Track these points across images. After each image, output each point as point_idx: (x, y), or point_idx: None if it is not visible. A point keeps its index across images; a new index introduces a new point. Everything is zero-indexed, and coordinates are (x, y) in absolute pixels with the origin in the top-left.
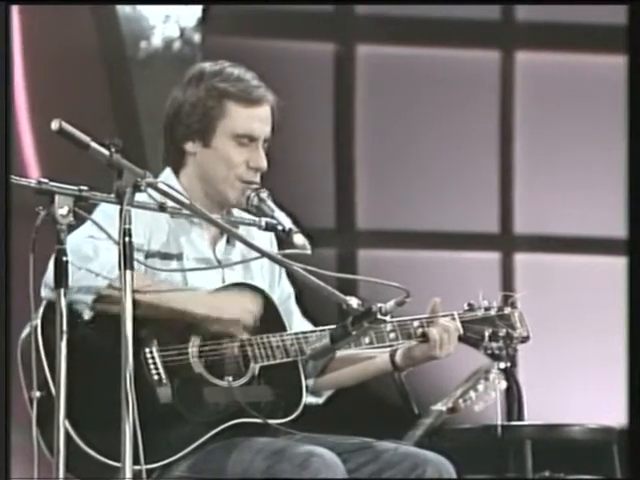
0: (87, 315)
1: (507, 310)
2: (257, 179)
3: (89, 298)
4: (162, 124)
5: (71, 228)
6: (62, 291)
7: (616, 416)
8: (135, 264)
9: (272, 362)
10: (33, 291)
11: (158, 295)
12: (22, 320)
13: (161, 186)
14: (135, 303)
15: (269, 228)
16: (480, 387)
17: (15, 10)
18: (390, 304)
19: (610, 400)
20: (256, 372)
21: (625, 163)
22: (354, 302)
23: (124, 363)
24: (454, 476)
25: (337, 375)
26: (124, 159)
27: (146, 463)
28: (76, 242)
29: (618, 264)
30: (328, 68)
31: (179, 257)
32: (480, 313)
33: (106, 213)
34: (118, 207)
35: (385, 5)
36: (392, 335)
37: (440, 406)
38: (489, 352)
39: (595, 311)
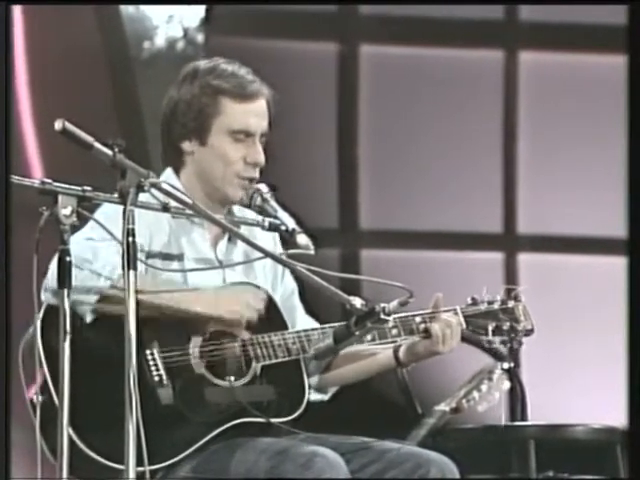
0: (89, 317)
1: (511, 303)
2: (256, 174)
3: (92, 299)
4: (160, 126)
5: (74, 228)
6: (65, 292)
7: (619, 416)
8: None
9: (274, 361)
10: (37, 291)
11: (158, 295)
12: (23, 321)
13: (164, 186)
14: (138, 302)
15: (272, 228)
16: (483, 387)
17: (18, 10)
18: (393, 304)
19: (613, 400)
20: (258, 371)
21: (626, 163)
22: (357, 302)
23: (127, 363)
24: (457, 476)
25: (341, 372)
26: (127, 159)
27: (149, 464)
28: (74, 246)
29: (619, 264)
30: (331, 68)
31: (180, 258)
32: (483, 307)
33: (107, 214)
34: (119, 208)
35: (388, 5)
36: (394, 331)
37: (443, 406)
38: (493, 346)
39: (598, 311)
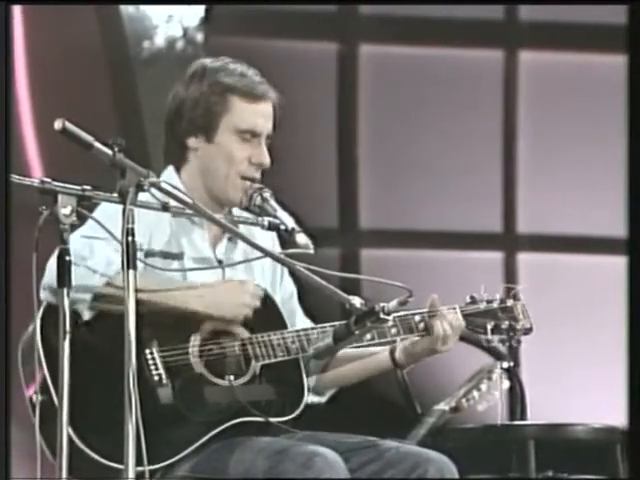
0: (86, 315)
1: (510, 302)
2: (258, 175)
3: (87, 297)
4: (164, 120)
5: (74, 228)
6: (65, 291)
7: (619, 416)
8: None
9: (273, 360)
10: (36, 291)
11: (158, 293)
12: (22, 320)
13: (164, 186)
14: (137, 301)
15: (272, 228)
16: (483, 387)
17: (18, 10)
18: (393, 303)
19: (613, 400)
20: (257, 371)
21: (626, 163)
22: (357, 302)
23: (127, 362)
24: (456, 476)
25: (338, 373)
26: (127, 159)
27: (148, 464)
28: (72, 243)
29: (619, 264)
30: (331, 68)
31: (179, 257)
32: (482, 306)
33: (107, 212)
34: (119, 207)
35: (388, 5)
36: (393, 330)
37: (443, 406)
38: (492, 345)
39: (598, 310)
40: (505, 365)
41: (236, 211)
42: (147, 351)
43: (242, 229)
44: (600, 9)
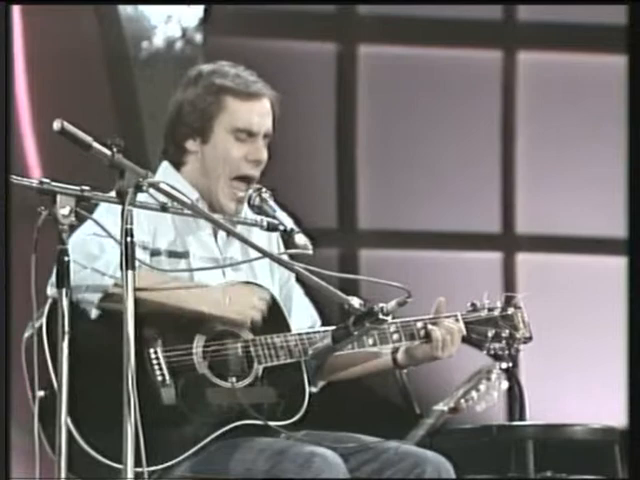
0: (94, 314)
1: (510, 311)
2: (256, 173)
3: (96, 297)
4: (164, 127)
5: (73, 228)
6: (64, 291)
7: (617, 416)
8: (139, 263)
9: (276, 363)
10: (35, 291)
11: (165, 293)
12: (23, 320)
13: (163, 186)
14: (142, 301)
15: (271, 228)
16: (482, 387)
17: (17, 10)
18: (392, 304)
19: (612, 400)
20: (259, 373)
21: (626, 163)
22: (356, 302)
23: (126, 363)
24: (453, 476)
25: (338, 374)
26: (126, 159)
27: (149, 464)
28: (82, 239)
29: (619, 264)
30: (330, 68)
31: (185, 255)
32: (483, 314)
33: (110, 208)
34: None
35: (387, 5)
36: (395, 336)
37: (442, 406)
38: (492, 353)
39: (596, 311)
40: (504, 366)
41: None
42: (151, 351)
43: (241, 228)
44: (600, 9)
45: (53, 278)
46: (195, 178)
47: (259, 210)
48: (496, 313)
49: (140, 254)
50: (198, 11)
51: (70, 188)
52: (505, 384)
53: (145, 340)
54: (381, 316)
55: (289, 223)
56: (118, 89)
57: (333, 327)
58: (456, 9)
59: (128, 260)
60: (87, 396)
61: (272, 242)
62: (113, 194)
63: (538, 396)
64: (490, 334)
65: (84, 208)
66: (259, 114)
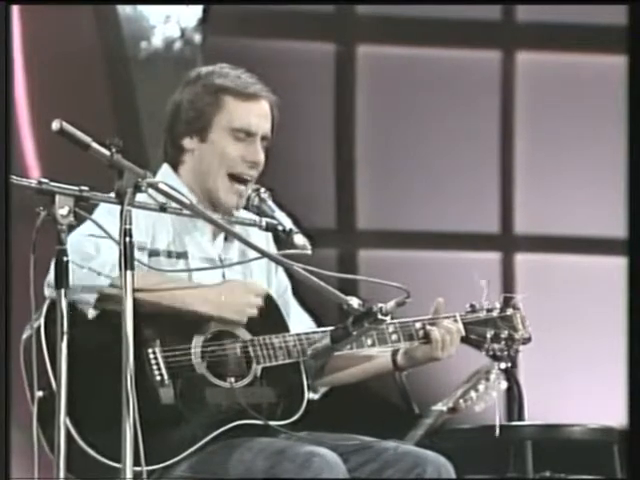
0: (90, 314)
1: (509, 311)
2: (253, 174)
3: (92, 297)
4: (162, 126)
5: (72, 228)
6: (63, 291)
7: (616, 416)
8: (137, 263)
9: (274, 363)
10: (34, 292)
11: (161, 293)
12: (22, 320)
13: (162, 186)
14: (139, 301)
15: (270, 228)
16: (481, 387)
17: (16, 10)
18: (390, 304)
19: (610, 400)
20: (258, 373)
21: (625, 163)
22: (355, 302)
23: (125, 363)
24: (453, 476)
25: (337, 375)
26: (125, 159)
27: (148, 464)
28: (77, 240)
29: (619, 264)
30: (329, 68)
31: (184, 255)
32: (482, 314)
33: (109, 209)
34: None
35: (386, 5)
36: (394, 337)
37: (441, 406)
38: (491, 353)
39: (595, 311)
40: (503, 366)
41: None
42: (150, 351)
43: (239, 227)
44: (600, 9)
45: (50, 278)
46: (193, 177)
47: (258, 210)
48: (495, 314)
49: (138, 254)
50: (197, 11)
51: (69, 188)
52: (504, 384)
53: (143, 340)
54: (380, 316)
55: (288, 223)
56: (117, 89)
57: (331, 328)
58: (455, 9)
59: (127, 260)
60: (85, 396)
61: (269, 245)
62: (112, 194)
63: (537, 396)
64: (489, 335)
65: (83, 208)
66: (257, 115)
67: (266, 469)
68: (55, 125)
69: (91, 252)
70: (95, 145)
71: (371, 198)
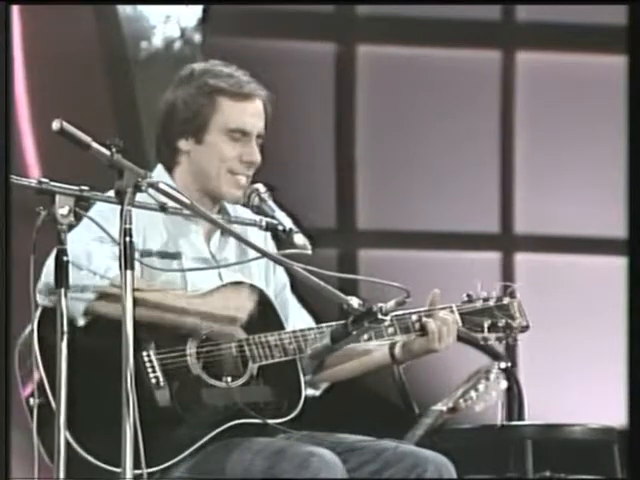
0: (80, 322)
1: (506, 300)
2: (250, 173)
3: (81, 306)
4: (156, 127)
5: (72, 228)
6: (63, 291)
7: (617, 416)
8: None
9: (270, 361)
10: (34, 291)
11: (151, 303)
12: (22, 321)
13: (162, 186)
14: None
15: (270, 228)
16: (481, 387)
17: (16, 10)
18: (390, 304)
19: (611, 400)
20: (254, 372)
21: (625, 163)
22: (355, 302)
23: (125, 363)
24: (454, 475)
25: (336, 370)
26: (125, 159)
27: (147, 466)
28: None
29: (619, 264)
30: (329, 68)
31: (177, 256)
32: (479, 304)
33: (102, 213)
34: (114, 207)
35: (386, 5)
36: (390, 330)
37: (441, 406)
38: (489, 344)
39: (596, 311)
40: (503, 365)
41: (232, 210)
42: (144, 353)
43: (237, 226)
44: (600, 9)
45: (40, 285)
46: (190, 178)
47: (258, 210)
48: (491, 303)
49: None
50: (197, 11)
51: (69, 188)
52: (504, 384)
53: (137, 343)
54: (380, 316)
55: (288, 223)
56: (117, 89)
57: (327, 324)
58: (455, 9)
59: (127, 260)
60: (80, 401)
61: (268, 244)
62: (112, 194)
63: (537, 396)
64: (486, 324)
65: (83, 208)
66: (252, 114)
67: (265, 469)
68: (55, 125)
69: (82, 262)
70: (95, 145)
71: (371, 198)
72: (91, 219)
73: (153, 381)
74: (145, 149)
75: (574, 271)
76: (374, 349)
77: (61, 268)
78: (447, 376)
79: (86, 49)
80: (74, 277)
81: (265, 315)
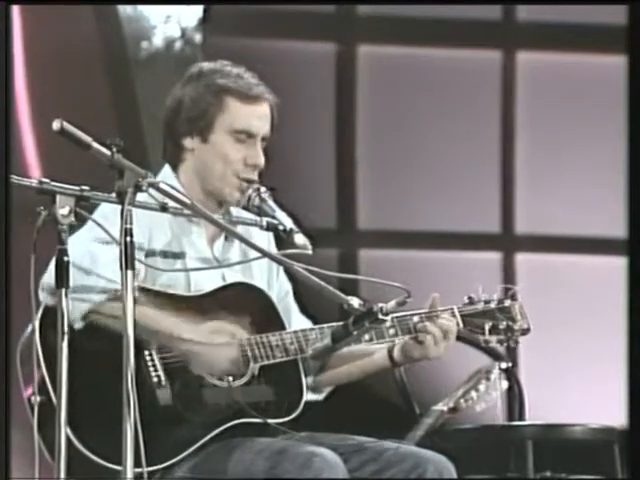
0: (78, 325)
1: (507, 302)
2: (255, 176)
3: (83, 309)
4: (162, 124)
5: (72, 228)
6: (63, 291)
7: (617, 416)
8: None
9: (272, 361)
10: (34, 291)
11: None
12: (22, 321)
13: (162, 186)
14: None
15: (270, 228)
16: (481, 387)
17: (16, 10)
18: (391, 304)
19: (611, 400)
20: (256, 372)
21: (625, 163)
22: (355, 302)
23: (125, 363)
24: (455, 476)
25: (336, 372)
26: (125, 159)
27: (148, 465)
28: (73, 250)
29: (619, 264)
30: (329, 68)
31: (181, 256)
32: (480, 306)
33: (105, 215)
34: (117, 208)
35: (386, 5)
36: (391, 331)
37: (441, 406)
38: (490, 345)
39: (596, 311)
40: (503, 365)
41: (235, 211)
42: (146, 352)
43: (240, 228)
44: (600, 9)
45: (43, 282)
46: (193, 176)
47: (258, 210)
48: (493, 305)
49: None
50: (197, 11)
51: (69, 188)
52: (505, 384)
53: (140, 342)
54: (381, 316)
55: (288, 223)
56: (117, 89)
57: (329, 324)
58: (455, 9)
59: (127, 260)
60: (81, 399)
61: (271, 247)
62: (112, 194)
63: (537, 396)
64: (487, 327)
65: (84, 208)
66: (259, 117)
67: (266, 469)
68: (56, 125)
69: (86, 266)
70: (96, 145)
71: (372, 198)
72: (95, 222)
73: (155, 380)
74: (146, 149)
75: (574, 271)
76: (373, 352)
77: (62, 268)
78: (448, 376)
79: (86, 49)
80: (77, 279)
81: (267, 316)
